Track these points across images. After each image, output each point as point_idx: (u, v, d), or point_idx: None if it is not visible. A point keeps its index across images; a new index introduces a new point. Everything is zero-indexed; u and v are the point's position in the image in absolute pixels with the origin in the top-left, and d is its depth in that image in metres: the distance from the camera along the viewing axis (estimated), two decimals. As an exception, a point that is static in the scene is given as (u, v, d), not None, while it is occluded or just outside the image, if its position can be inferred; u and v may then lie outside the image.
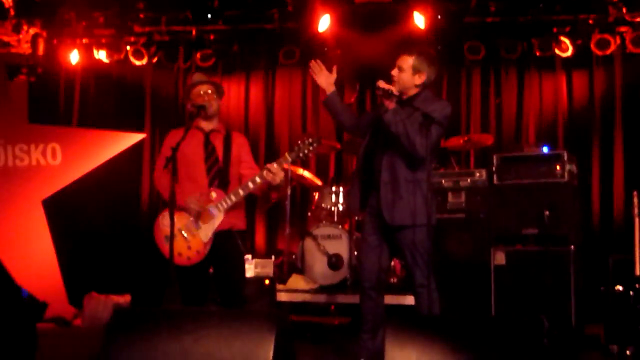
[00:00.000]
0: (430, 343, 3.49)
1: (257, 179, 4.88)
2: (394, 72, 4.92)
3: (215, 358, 3.46)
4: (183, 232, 4.89)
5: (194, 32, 8.79)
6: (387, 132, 4.78)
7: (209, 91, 5.07)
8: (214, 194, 4.93)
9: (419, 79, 4.90)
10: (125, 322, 3.72)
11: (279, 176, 4.86)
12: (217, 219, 4.91)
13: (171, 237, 4.54)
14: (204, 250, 4.90)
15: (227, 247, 4.98)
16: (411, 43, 7.77)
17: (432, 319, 4.23)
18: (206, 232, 4.89)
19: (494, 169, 6.68)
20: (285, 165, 5.25)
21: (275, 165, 4.85)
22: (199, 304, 4.97)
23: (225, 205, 4.90)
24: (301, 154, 4.94)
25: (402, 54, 4.94)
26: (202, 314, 3.78)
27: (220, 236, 4.94)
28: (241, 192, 4.91)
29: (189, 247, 4.89)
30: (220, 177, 5.01)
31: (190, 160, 4.96)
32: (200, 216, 4.89)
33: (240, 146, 5.18)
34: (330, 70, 5.08)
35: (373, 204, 4.96)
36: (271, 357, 3.41)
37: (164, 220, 4.96)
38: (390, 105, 4.74)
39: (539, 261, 6.30)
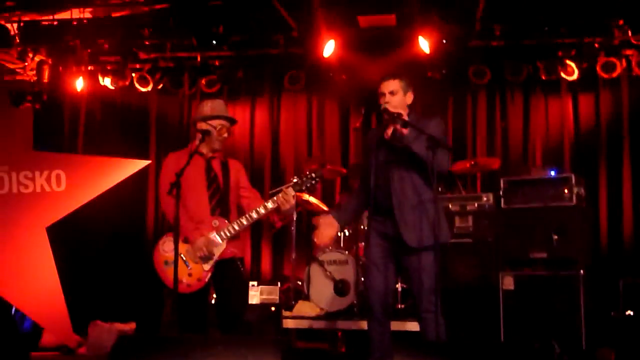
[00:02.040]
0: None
1: (262, 210, 4.88)
2: (387, 97, 4.90)
3: (220, 385, 3.42)
4: (184, 258, 4.85)
5: (198, 58, 8.80)
6: (410, 158, 4.74)
7: (227, 127, 5.09)
8: (216, 222, 4.90)
9: (409, 99, 4.96)
10: (128, 349, 3.68)
11: (290, 202, 4.87)
12: (220, 247, 4.87)
13: (175, 263, 4.48)
14: (205, 277, 4.86)
15: (229, 275, 4.95)
16: (418, 68, 7.86)
17: (441, 345, 4.16)
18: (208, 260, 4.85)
19: (501, 192, 6.65)
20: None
21: (287, 191, 4.85)
22: (197, 332, 4.90)
23: (227, 234, 4.89)
24: (304, 187, 4.97)
25: (387, 80, 4.95)
26: (207, 341, 3.75)
27: (222, 264, 4.91)
28: (244, 221, 4.91)
29: (190, 275, 4.85)
30: (222, 205, 5.00)
31: (192, 186, 4.94)
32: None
33: (238, 171, 5.20)
34: None
35: (378, 228, 4.91)
36: (277, 384, 3.36)
37: (164, 246, 4.94)
38: (404, 130, 4.73)
39: (549, 285, 6.24)
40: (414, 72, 8.23)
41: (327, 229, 5.06)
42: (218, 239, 4.85)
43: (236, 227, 4.88)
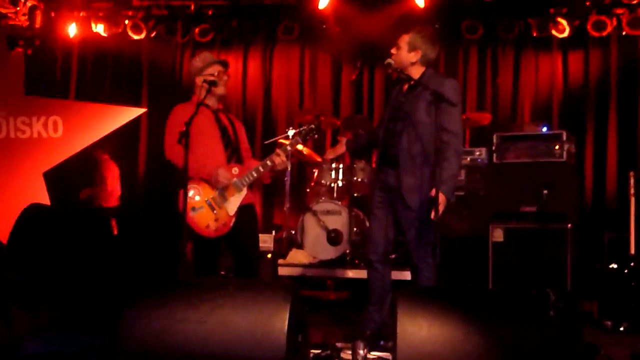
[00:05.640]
0: (440, 314, 3.56)
1: (263, 167, 5.00)
2: (393, 50, 5.02)
3: (231, 325, 3.53)
4: (210, 204, 4.96)
5: (192, 7, 8.78)
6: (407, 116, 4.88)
7: (224, 70, 5.17)
8: (236, 169, 5.01)
9: (415, 57, 4.94)
10: (142, 292, 3.79)
11: (285, 161, 5.05)
12: (243, 193, 4.99)
13: (184, 210, 4.58)
14: (230, 222, 4.97)
15: (249, 220, 5.09)
16: (412, 22, 7.86)
17: (442, 290, 4.29)
18: (233, 205, 4.96)
19: (493, 147, 6.78)
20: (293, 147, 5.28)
21: (285, 149, 4.99)
22: (211, 275, 5.05)
23: (248, 181, 5.00)
24: (306, 138, 5.14)
25: (403, 33, 5.03)
26: (219, 284, 3.85)
27: (243, 210, 5.02)
28: (261, 169, 5.00)
29: (216, 219, 4.95)
30: (236, 154, 5.13)
31: (205, 136, 5.02)
32: (226, 189, 4.97)
33: (240, 126, 5.33)
34: None
35: (382, 178, 5.03)
36: (286, 326, 3.49)
37: (189, 193, 5.01)
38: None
39: (537, 238, 6.41)
40: (408, 26, 8.31)
41: (337, 146, 5.49)
42: (239, 185, 4.97)
43: (255, 174, 4.99)
